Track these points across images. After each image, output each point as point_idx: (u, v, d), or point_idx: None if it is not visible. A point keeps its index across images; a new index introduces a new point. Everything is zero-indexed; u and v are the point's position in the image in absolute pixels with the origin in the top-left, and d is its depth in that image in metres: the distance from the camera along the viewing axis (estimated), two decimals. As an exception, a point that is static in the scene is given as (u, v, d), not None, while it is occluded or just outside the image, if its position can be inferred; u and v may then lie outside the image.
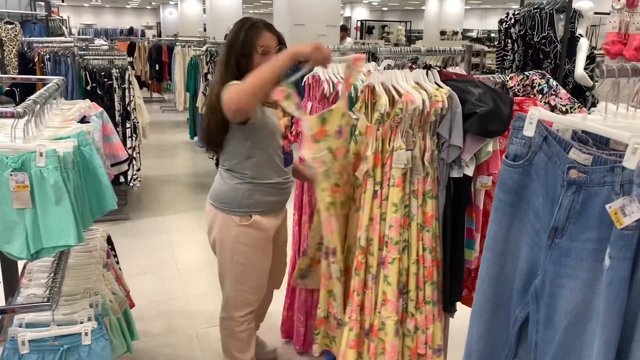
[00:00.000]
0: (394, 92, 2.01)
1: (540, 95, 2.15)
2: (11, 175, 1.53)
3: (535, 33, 4.32)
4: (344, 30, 9.32)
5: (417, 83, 2.05)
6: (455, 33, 19.03)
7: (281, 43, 2.09)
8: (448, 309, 2.14)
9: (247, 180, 2.11)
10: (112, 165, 2.25)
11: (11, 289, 2.43)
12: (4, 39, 8.49)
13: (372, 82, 2.04)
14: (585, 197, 1.10)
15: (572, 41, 4.08)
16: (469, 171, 2.03)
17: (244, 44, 2.02)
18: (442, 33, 18.93)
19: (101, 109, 2.21)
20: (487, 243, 1.30)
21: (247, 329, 2.32)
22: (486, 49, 12.07)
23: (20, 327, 1.77)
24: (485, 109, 1.92)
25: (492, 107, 1.93)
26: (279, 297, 2.88)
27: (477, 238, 2.13)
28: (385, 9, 30.59)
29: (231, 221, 2.13)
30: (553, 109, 2.10)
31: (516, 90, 2.20)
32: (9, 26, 8.75)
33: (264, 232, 2.18)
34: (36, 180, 1.54)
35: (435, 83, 2.08)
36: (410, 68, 2.15)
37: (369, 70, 2.20)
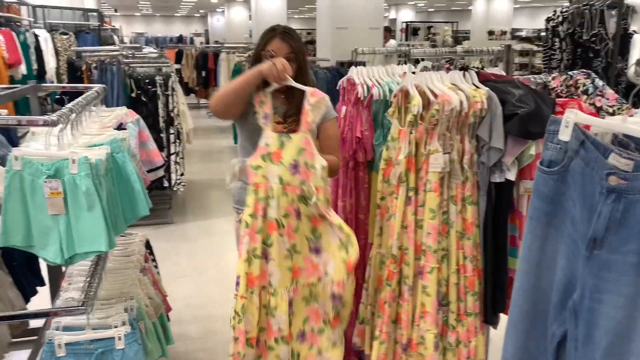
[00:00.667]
0: (429, 94, 1.95)
1: (585, 96, 2.03)
2: (46, 181, 1.56)
3: (584, 31, 4.15)
4: (388, 32, 9.23)
5: (454, 84, 1.98)
6: (503, 33, 18.55)
7: (295, 52, 2.05)
8: (490, 321, 2.05)
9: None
10: (148, 171, 2.28)
11: (55, 291, 2.50)
12: (59, 48, 8.85)
13: (406, 84, 1.99)
14: (626, 206, 1.01)
15: (624, 38, 3.89)
16: (511, 175, 1.94)
17: (257, 48, 2.11)
18: (490, 33, 18.49)
19: (137, 116, 2.25)
20: (522, 254, 1.23)
21: None
22: (535, 48, 11.69)
23: (57, 330, 1.81)
24: (527, 109, 1.83)
25: (534, 108, 1.84)
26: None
27: (520, 246, 2.04)
28: (431, 10, 30.19)
29: (234, 216, 2.25)
30: (599, 110, 1.98)
31: (559, 91, 2.10)
32: (64, 36, 9.11)
33: None
34: (69, 187, 1.57)
35: (473, 84, 2.00)
36: (447, 70, 2.08)
37: (404, 72, 2.14)
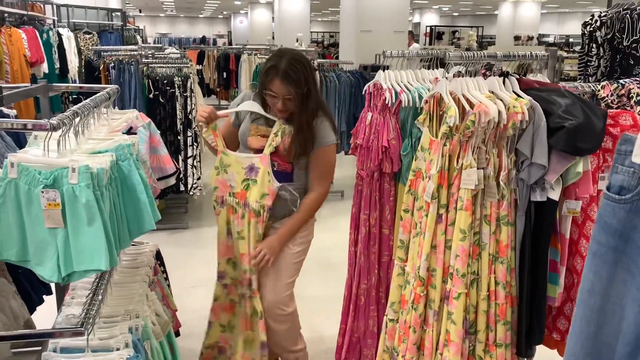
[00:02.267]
0: (464, 102, 1.77)
1: (639, 107, 1.84)
2: (43, 192, 1.42)
3: (624, 36, 3.92)
4: (411, 36, 9.05)
5: (492, 92, 1.80)
6: (530, 38, 18.20)
7: (294, 94, 2.07)
8: (524, 354, 1.86)
9: None
10: (158, 179, 2.14)
11: (62, 300, 2.38)
12: (82, 48, 8.84)
13: (439, 90, 1.81)
14: None
15: (669, 45, 3.65)
16: (554, 195, 1.75)
17: (260, 84, 2.16)
18: (517, 38, 18.17)
19: (149, 119, 2.11)
20: (581, 296, 1.04)
21: None
22: (564, 54, 11.38)
23: (54, 352, 1.67)
24: (575, 122, 1.64)
25: (583, 121, 1.65)
26: (333, 318, 2.69)
27: (562, 272, 1.84)
28: (455, 14, 29.86)
29: None
30: (656, 123, 1.78)
31: (609, 101, 1.90)
32: (87, 36, 9.11)
33: None
34: (68, 198, 1.42)
35: (514, 92, 1.82)
36: (484, 75, 1.90)
37: (436, 78, 1.97)
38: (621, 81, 1.91)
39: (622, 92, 1.89)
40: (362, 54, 7.11)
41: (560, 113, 1.68)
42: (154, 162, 2.10)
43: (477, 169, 1.76)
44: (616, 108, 1.88)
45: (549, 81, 1.93)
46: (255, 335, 2.31)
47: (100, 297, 1.75)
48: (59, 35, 7.93)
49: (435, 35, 20.44)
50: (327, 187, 2.31)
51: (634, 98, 1.86)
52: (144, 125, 2.06)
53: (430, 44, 19.05)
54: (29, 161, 1.47)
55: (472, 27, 21.92)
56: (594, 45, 4.12)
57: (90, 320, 1.63)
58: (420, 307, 1.86)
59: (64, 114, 1.57)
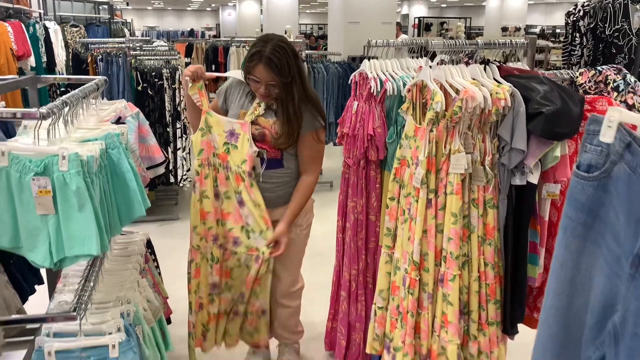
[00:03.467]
0: (449, 89, 1.81)
1: (616, 93, 1.89)
2: (33, 179, 1.45)
3: (607, 26, 3.98)
4: (399, 27, 9.08)
5: (474, 79, 1.85)
6: (517, 29, 18.27)
7: (277, 81, 2.09)
8: (509, 332, 1.92)
9: None
10: (148, 168, 2.17)
11: (54, 290, 2.40)
12: (69, 41, 8.78)
13: (423, 78, 1.86)
14: (683, 219, 0.88)
15: (650, 34, 3.72)
16: (534, 178, 1.80)
17: (244, 69, 2.15)
18: (504, 29, 18.23)
19: (137, 109, 2.13)
20: (554, 270, 1.10)
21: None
22: (551, 44, 11.46)
23: (47, 336, 1.71)
24: (552, 108, 1.69)
25: (560, 107, 1.70)
26: (324, 307, 2.74)
27: (541, 253, 1.90)
28: (444, 5, 29.88)
29: None
30: (631, 108, 1.84)
31: (587, 87, 1.96)
32: (74, 29, 9.04)
33: None
34: (58, 186, 1.46)
35: (494, 79, 1.87)
36: (467, 63, 1.95)
37: (420, 67, 2.01)
38: (599, 68, 1.97)
39: (600, 78, 1.94)
40: (350, 45, 7.12)
41: (539, 99, 1.73)
42: (143, 152, 2.13)
43: (465, 153, 1.81)
44: (594, 94, 1.93)
45: (528, 68, 1.98)
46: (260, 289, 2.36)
47: (92, 284, 1.78)
48: (46, 28, 7.88)
49: (423, 26, 20.47)
50: (319, 170, 2.37)
51: (611, 84, 1.91)
52: (133, 115, 2.08)
53: (418, 35, 19.09)
54: (19, 150, 1.49)
55: (460, 18, 21.98)
56: (578, 35, 4.19)
57: (83, 305, 1.67)
58: (416, 291, 1.91)
59: (54, 103, 1.59)
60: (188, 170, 4.78)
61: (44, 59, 7.79)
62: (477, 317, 1.88)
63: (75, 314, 1.61)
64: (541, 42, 12.61)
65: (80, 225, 1.47)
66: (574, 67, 4.21)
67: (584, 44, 4.18)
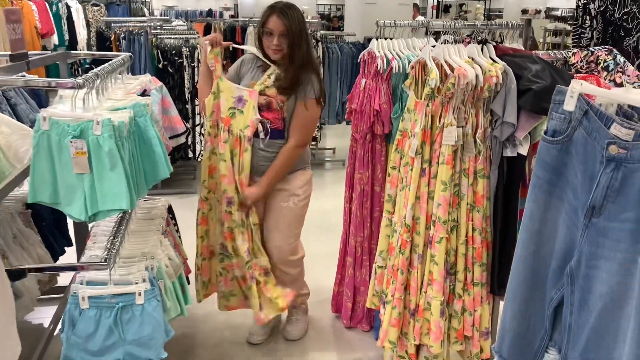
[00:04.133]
0: (446, 67, 1.96)
1: (605, 73, 2.01)
2: (71, 142, 1.64)
3: (616, 9, 4.05)
4: (416, 8, 9.12)
5: (471, 58, 1.99)
6: (538, 12, 18.06)
7: (288, 30, 2.25)
8: (496, 292, 2.09)
9: None
10: (170, 138, 2.35)
11: (82, 251, 2.62)
12: (90, 20, 8.99)
13: (423, 56, 2.00)
14: (625, 175, 1.03)
15: (657, 17, 3.78)
16: (523, 150, 1.95)
17: (259, 25, 2.34)
18: (524, 12, 18.02)
19: (161, 83, 2.31)
20: (524, 222, 1.26)
21: None
22: (569, 28, 11.39)
23: (81, 284, 1.91)
24: (542, 85, 1.83)
25: (549, 84, 1.84)
26: (331, 272, 2.92)
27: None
28: (464, -13, 29.43)
29: None
30: (619, 86, 1.96)
31: (579, 67, 2.08)
32: (95, 8, 9.24)
33: None
34: (93, 148, 1.64)
35: (491, 58, 2.01)
36: (467, 43, 2.09)
37: (423, 45, 2.16)
38: (591, 49, 2.09)
39: (591, 58, 2.07)
40: (367, 26, 7.21)
41: (530, 77, 1.87)
42: (165, 122, 2.32)
43: (457, 127, 1.96)
44: (584, 73, 2.06)
45: (523, 48, 2.11)
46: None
47: (119, 240, 1.98)
48: (68, 7, 8.09)
49: (442, 8, 20.28)
50: (304, 139, 2.43)
51: (601, 64, 2.03)
52: (156, 88, 2.26)
53: (437, 17, 18.94)
54: (58, 115, 1.68)
55: (479, 0, 21.72)
56: (587, 18, 4.25)
57: (112, 258, 1.87)
58: (406, 251, 2.08)
59: (88, 74, 1.78)
60: (206, 145, 4.96)
61: (66, 37, 8.02)
62: (463, 278, 2.05)
63: (106, 264, 1.81)
64: (559, 25, 12.51)
65: (112, 183, 1.66)
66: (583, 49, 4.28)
67: (594, 26, 4.25)
